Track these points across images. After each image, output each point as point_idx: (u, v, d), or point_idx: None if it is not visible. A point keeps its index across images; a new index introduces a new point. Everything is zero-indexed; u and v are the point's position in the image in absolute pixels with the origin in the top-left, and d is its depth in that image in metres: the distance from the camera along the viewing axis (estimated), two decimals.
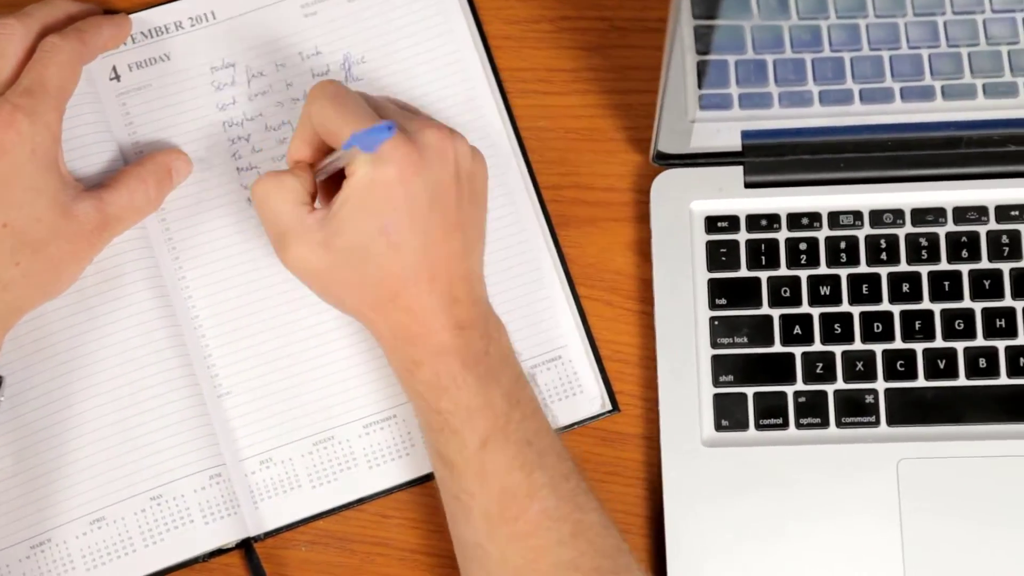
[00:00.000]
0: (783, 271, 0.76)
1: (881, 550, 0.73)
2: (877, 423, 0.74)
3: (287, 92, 0.78)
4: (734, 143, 0.76)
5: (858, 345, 0.75)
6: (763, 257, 0.76)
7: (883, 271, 0.75)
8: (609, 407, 0.76)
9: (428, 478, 0.76)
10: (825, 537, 0.73)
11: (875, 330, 0.75)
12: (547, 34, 0.80)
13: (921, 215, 0.76)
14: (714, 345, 0.75)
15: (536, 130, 0.79)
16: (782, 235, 0.76)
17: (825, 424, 0.74)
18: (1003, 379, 0.74)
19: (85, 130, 0.76)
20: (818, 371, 0.75)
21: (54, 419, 0.74)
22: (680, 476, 0.74)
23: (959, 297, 0.75)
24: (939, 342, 0.74)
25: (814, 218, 0.76)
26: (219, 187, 0.77)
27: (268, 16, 0.78)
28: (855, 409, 0.74)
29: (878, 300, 0.75)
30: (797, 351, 0.75)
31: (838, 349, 0.75)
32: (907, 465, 0.73)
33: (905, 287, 0.75)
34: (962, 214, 0.76)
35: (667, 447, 0.74)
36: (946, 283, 0.75)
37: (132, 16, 0.77)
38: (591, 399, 0.76)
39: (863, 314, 0.75)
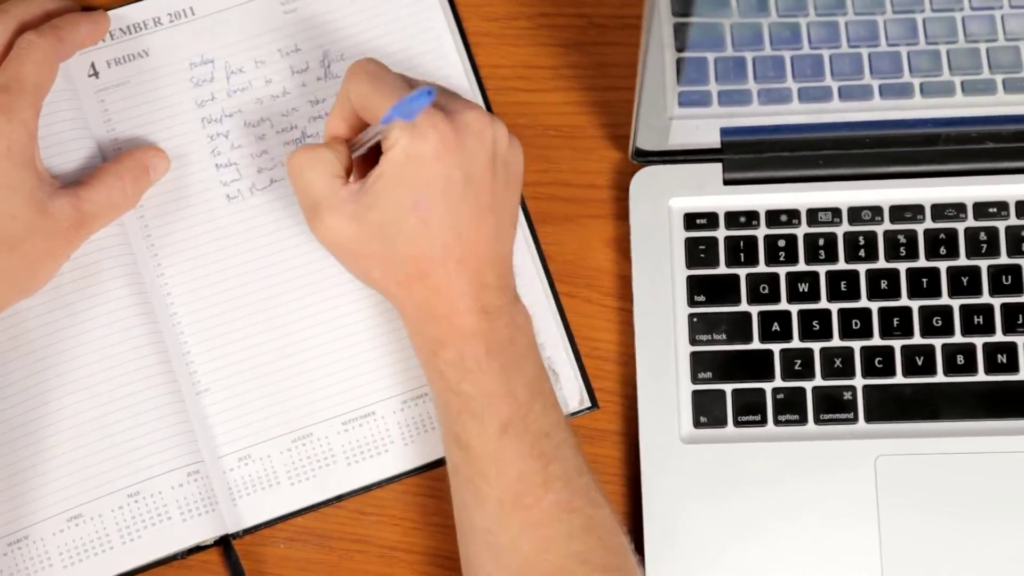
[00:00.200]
0: (762, 268, 0.76)
1: (859, 546, 0.73)
2: (855, 420, 0.74)
3: (266, 89, 0.78)
4: (713, 140, 0.76)
5: (836, 342, 0.75)
6: (742, 254, 0.76)
7: (861, 268, 0.75)
8: (588, 404, 0.76)
9: (406, 475, 0.76)
10: (803, 533, 0.73)
11: (853, 327, 0.75)
12: (526, 31, 0.80)
13: (899, 212, 0.76)
14: (693, 342, 0.75)
15: (515, 127, 0.78)
16: (761, 232, 0.76)
17: (803, 421, 0.74)
18: (981, 376, 0.74)
19: (63, 127, 0.75)
20: (796, 368, 0.75)
21: (31, 416, 0.73)
22: (658, 473, 0.74)
23: (937, 294, 0.75)
24: (917, 339, 0.75)
25: (793, 215, 0.76)
26: (198, 184, 0.77)
27: (247, 12, 0.78)
28: (833, 406, 0.74)
29: (856, 297, 0.75)
30: (775, 348, 0.75)
31: (816, 346, 0.75)
32: (885, 462, 0.73)
33: (884, 284, 0.75)
34: (940, 211, 0.76)
35: (646, 444, 0.74)
36: (924, 280, 0.75)
37: (110, 12, 0.77)
38: (570, 396, 0.76)
39: (841, 311, 0.75)
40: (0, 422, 0.73)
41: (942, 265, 0.75)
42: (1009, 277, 0.75)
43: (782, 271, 0.76)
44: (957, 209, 0.76)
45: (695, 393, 0.75)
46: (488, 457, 0.67)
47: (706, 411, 0.75)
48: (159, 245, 0.76)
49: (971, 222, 0.76)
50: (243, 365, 0.76)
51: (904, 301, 0.75)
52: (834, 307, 0.75)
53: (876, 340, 0.75)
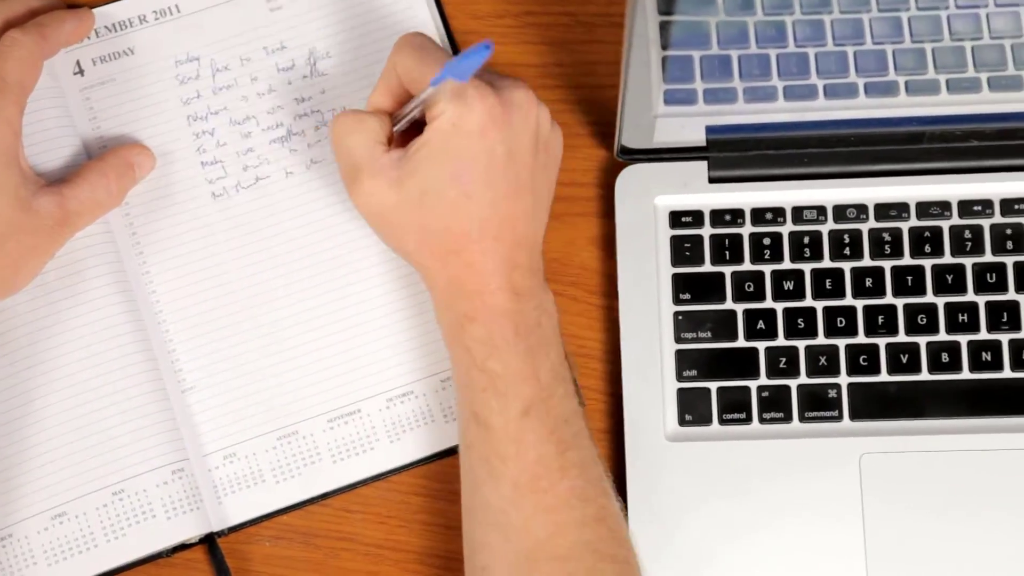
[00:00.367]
0: (747, 266, 0.76)
1: (843, 544, 0.73)
2: (840, 418, 0.74)
3: (252, 86, 0.78)
4: (699, 138, 0.77)
5: (821, 340, 0.75)
6: (727, 252, 0.76)
7: (846, 266, 0.76)
8: None
9: (392, 473, 0.76)
10: (788, 531, 0.73)
11: (838, 325, 0.75)
12: (512, 29, 0.80)
13: (884, 210, 0.76)
14: (678, 340, 0.75)
15: None
16: (746, 230, 0.76)
17: (788, 419, 0.74)
18: (965, 374, 0.74)
19: (48, 124, 0.75)
20: (781, 366, 0.75)
21: (15, 414, 0.73)
22: (643, 470, 0.74)
23: (922, 292, 0.75)
24: (902, 337, 0.75)
25: (778, 213, 0.76)
26: (184, 181, 0.77)
27: (233, 10, 0.78)
28: (818, 404, 0.74)
29: (841, 295, 0.75)
30: (760, 346, 0.75)
31: (801, 344, 0.75)
32: (869, 459, 0.73)
33: (868, 282, 0.75)
34: (925, 209, 0.76)
35: (631, 442, 0.74)
36: (909, 278, 0.75)
37: (95, 10, 0.77)
38: None
39: (826, 309, 0.75)
40: None
41: (927, 263, 0.75)
42: (994, 275, 0.75)
43: (767, 269, 0.76)
44: (942, 207, 0.76)
45: (680, 391, 0.75)
46: (508, 437, 0.67)
47: (691, 409, 0.75)
48: (144, 243, 0.76)
49: (956, 220, 0.76)
50: (228, 363, 0.76)
51: (889, 299, 0.75)
52: (819, 305, 0.75)
53: (861, 338, 0.75)
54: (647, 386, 0.75)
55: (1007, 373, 0.74)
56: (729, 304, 0.76)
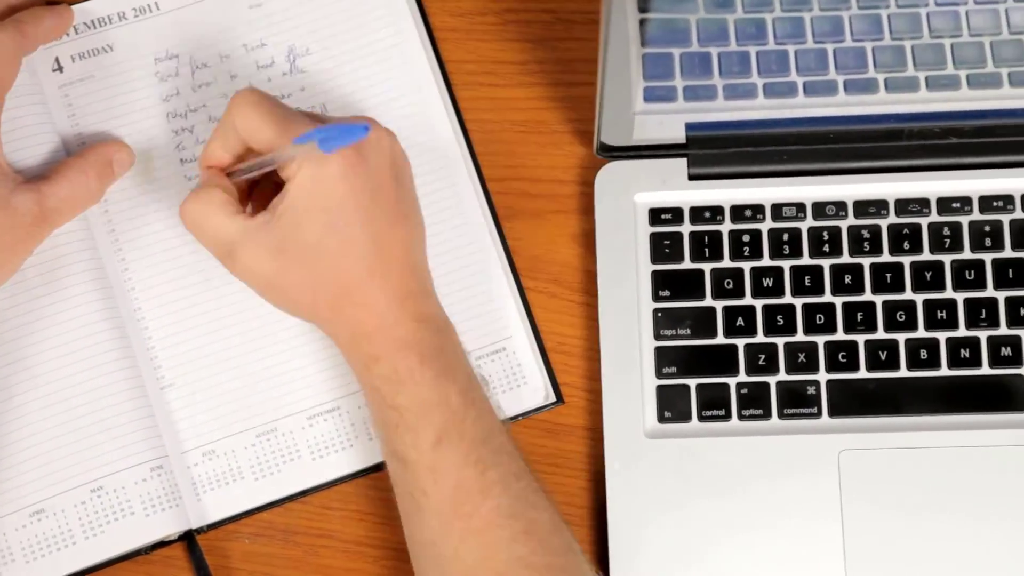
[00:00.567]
0: (726, 263, 0.76)
1: (822, 540, 0.73)
2: (819, 414, 0.74)
3: (231, 84, 0.78)
4: (678, 135, 0.77)
5: (800, 337, 0.75)
6: (706, 249, 0.76)
7: (825, 263, 0.76)
8: (553, 399, 0.76)
9: (372, 470, 0.76)
10: (766, 527, 0.73)
11: (817, 322, 0.75)
12: (493, 27, 0.80)
13: (863, 207, 0.76)
14: (657, 337, 0.75)
15: (482, 122, 0.79)
16: (725, 227, 0.76)
17: (767, 415, 0.74)
18: (944, 371, 0.74)
19: (27, 121, 0.75)
20: (760, 363, 0.75)
21: None
22: (623, 467, 0.74)
23: (901, 289, 0.75)
24: (881, 334, 0.75)
25: (757, 210, 0.76)
26: (163, 179, 0.77)
27: (213, 7, 0.78)
28: (797, 400, 0.74)
29: (820, 292, 0.75)
30: (740, 343, 0.75)
31: (780, 341, 0.75)
32: (848, 456, 0.73)
33: (847, 279, 0.75)
34: (904, 206, 0.76)
35: (610, 438, 0.74)
36: (888, 275, 0.75)
37: (74, 7, 0.77)
38: (535, 391, 0.76)
39: (805, 306, 0.75)
40: None
41: (906, 260, 0.75)
42: (972, 272, 0.75)
43: (746, 266, 0.76)
44: (921, 204, 0.76)
45: (660, 388, 0.75)
46: (424, 468, 0.67)
47: (670, 406, 0.75)
48: (123, 240, 0.76)
49: (934, 217, 0.76)
50: (207, 360, 0.76)
51: (868, 296, 0.75)
52: (798, 302, 0.75)
53: (840, 335, 0.75)
54: (626, 383, 0.75)
55: (985, 370, 0.74)
56: (708, 301, 0.76)
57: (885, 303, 0.75)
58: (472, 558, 0.67)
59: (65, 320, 0.74)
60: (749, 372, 0.75)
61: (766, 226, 0.76)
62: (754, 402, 0.74)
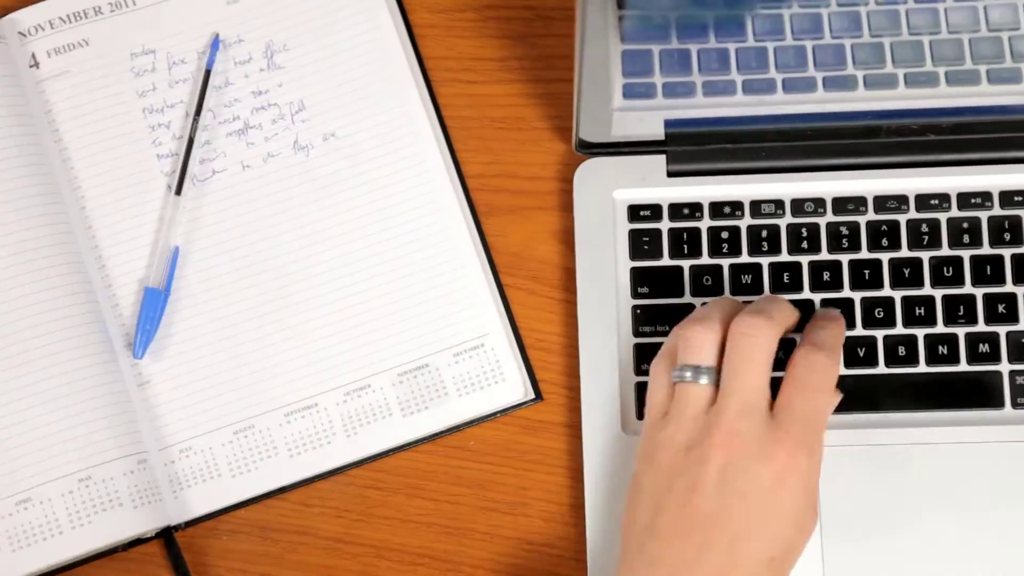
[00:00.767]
0: (705, 260, 0.76)
1: None
2: None
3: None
4: (657, 132, 0.76)
5: None
6: (685, 246, 0.76)
7: (804, 260, 0.76)
8: (532, 395, 0.76)
9: (350, 467, 0.75)
10: None
11: None
12: (472, 23, 0.80)
13: (842, 204, 0.76)
14: (636, 334, 0.75)
15: (461, 119, 0.79)
16: (704, 224, 0.76)
17: None
18: (922, 367, 0.74)
19: (3, 112, 0.75)
20: None
21: None
22: (600, 464, 0.74)
23: (879, 286, 0.75)
24: (859, 330, 0.75)
25: (736, 207, 0.76)
26: (139, 174, 0.77)
27: (189, 2, 0.78)
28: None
29: (799, 289, 0.75)
30: None
31: None
32: (825, 453, 0.73)
33: (826, 276, 0.75)
34: (882, 203, 0.76)
35: (588, 435, 0.74)
36: (866, 272, 0.75)
37: (50, 1, 0.77)
38: (514, 387, 0.76)
39: None
40: None
41: (884, 257, 0.75)
42: (950, 269, 0.75)
43: (725, 263, 0.76)
44: (899, 201, 0.76)
45: (639, 385, 0.75)
46: None
47: None
48: (100, 236, 0.76)
49: (912, 214, 0.76)
50: (184, 357, 0.75)
51: (846, 292, 0.75)
52: None
53: None
54: (605, 380, 0.75)
55: (963, 367, 0.74)
56: (687, 298, 0.76)
57: (863, 300, 0.75)
58: None
59: (45, 310, 0.74)
60: None
61: (745, 223, 0.76)
62: None
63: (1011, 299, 0.74)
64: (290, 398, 0.75)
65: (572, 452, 0.76)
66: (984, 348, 0.74)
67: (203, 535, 0.75)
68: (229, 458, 0.75)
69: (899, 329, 0.75)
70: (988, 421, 0.73)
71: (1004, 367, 0.74)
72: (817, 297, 0.75)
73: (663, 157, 0.77)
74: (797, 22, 0.77)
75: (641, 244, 0.76)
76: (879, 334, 0.75)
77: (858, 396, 0.74)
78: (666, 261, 0.76)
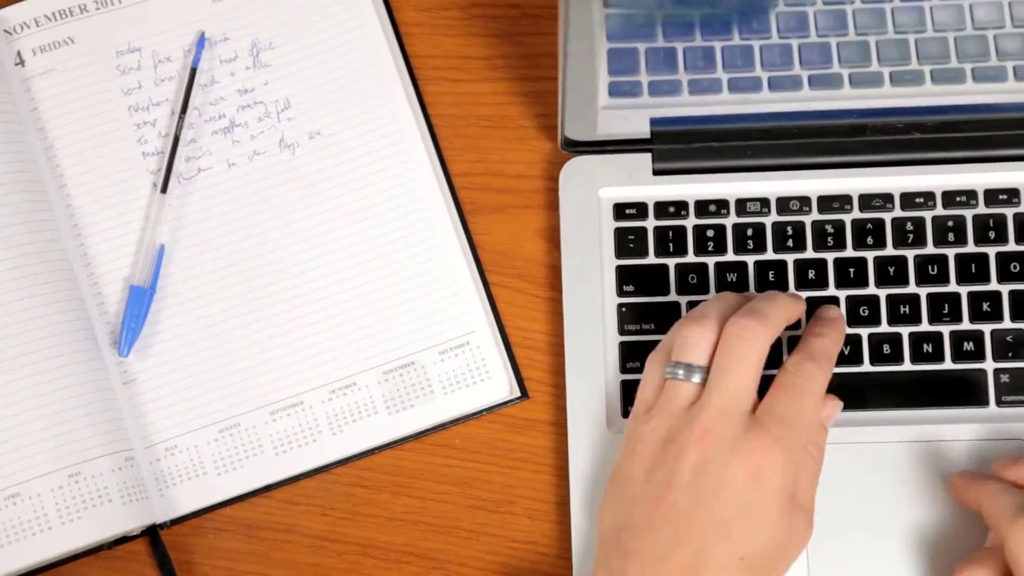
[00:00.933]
0: (690, 258, 0.76)
1: None
2: None
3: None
4: (643, 130, 0.77)
5: None
6: (671, 244, 0.76)
7: (789, 258, 0.76)
8: (518, 394, 0.76)
9: (335, 465, 0.75)
10: None
11: None
12: (458, 21, 0.80)
13: (827, 202, 0.76)
14: (622, 332, 0.75)
15: (447, 117, 0.79)
16: (690, 222, 0.76)
17: None
18: (907, 365, 0.74)
19: None
20: None
21: None
22: (586, 462, 0.74)
23: (864, 284, 0.75)
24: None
25: (721, 205, 0.76)
26: (124, 172, 0.77)
27: (175, 1, 0.78)
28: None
29: (784, 287, 0.75)
30: None
31: None
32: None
33: (811, 274, 0.75)
34: (867, 201, 0.76)
35: (573, 433, 0.74)
36: (851, 270, 0.75)
37: None
38: (500, 385, 0.76)
39: None
40: None
41: (869, 255, 0.76)
42: (935, 267, 0.75)
43: (711, 261, 0.76)
44: (884, 199, 0.76)
45: (624, 383, 0.75)
46: None
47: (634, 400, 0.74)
48: (86, 234, 0.76)
49: (898, 212, 0.76)
50: (169, 355, 0.75)
51: (831, 291, 0.75)
52: None
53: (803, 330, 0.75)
54: (591, 378, 0.75)
55: (948, 364, 0.74)
56: (673, 296, 0.76)
57: (848, 298, 0.75)
58: None
59: (33, 306, 0.74)
60: None
61: (730, 221, 0.76)
62: None
63: (996, 297, 0.75)
64: (276, 396, 0.75)
65: (558, 450, 0.76)
66: (969, 346, 0.74)
67: (189, 533, 0.75)
68: (215, 456, 0.75)
69: (884, 327, 0.75)
70: (973, 419, 0.74)
71: (989, 365, 0.74)
72: (803, 295, 0.75)
73: (649, 155, 0.77)
74: (783, 20, 0.77)
75: (627, 242, 0.76)
76: (864, 332, 0.75)
77: (844, 394, 0.74)
78: (652, 259, 0.76)
